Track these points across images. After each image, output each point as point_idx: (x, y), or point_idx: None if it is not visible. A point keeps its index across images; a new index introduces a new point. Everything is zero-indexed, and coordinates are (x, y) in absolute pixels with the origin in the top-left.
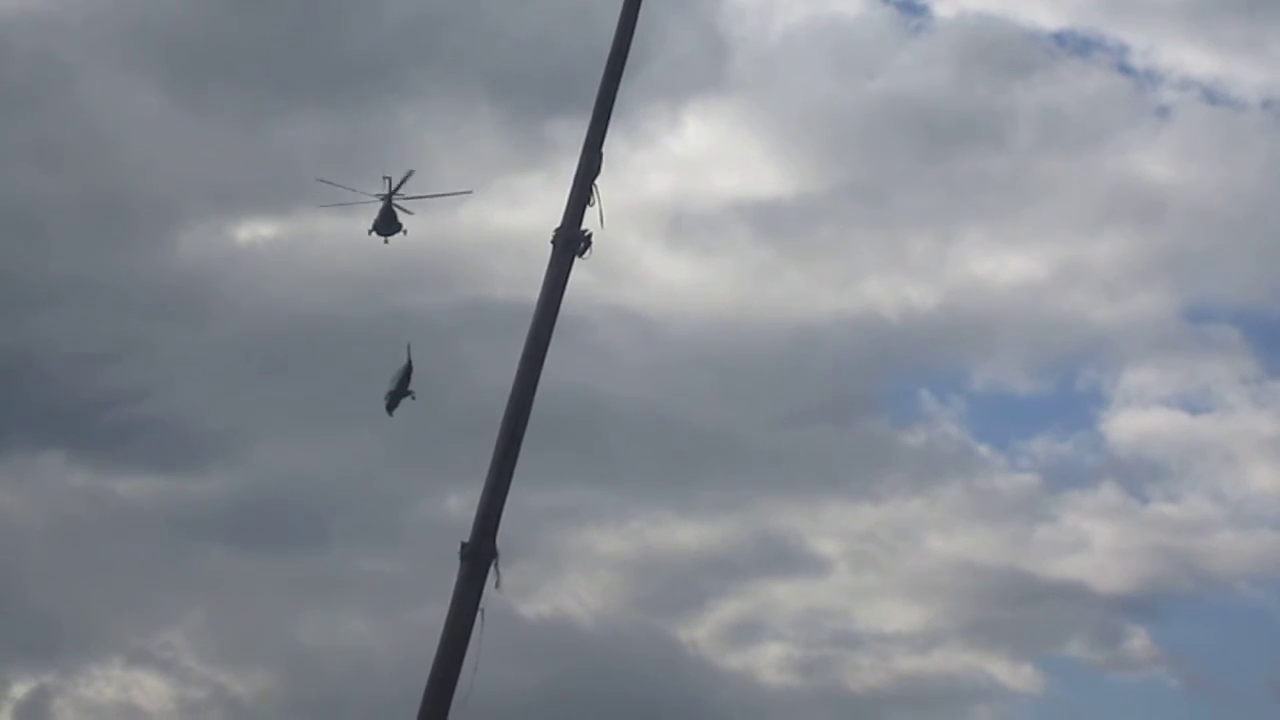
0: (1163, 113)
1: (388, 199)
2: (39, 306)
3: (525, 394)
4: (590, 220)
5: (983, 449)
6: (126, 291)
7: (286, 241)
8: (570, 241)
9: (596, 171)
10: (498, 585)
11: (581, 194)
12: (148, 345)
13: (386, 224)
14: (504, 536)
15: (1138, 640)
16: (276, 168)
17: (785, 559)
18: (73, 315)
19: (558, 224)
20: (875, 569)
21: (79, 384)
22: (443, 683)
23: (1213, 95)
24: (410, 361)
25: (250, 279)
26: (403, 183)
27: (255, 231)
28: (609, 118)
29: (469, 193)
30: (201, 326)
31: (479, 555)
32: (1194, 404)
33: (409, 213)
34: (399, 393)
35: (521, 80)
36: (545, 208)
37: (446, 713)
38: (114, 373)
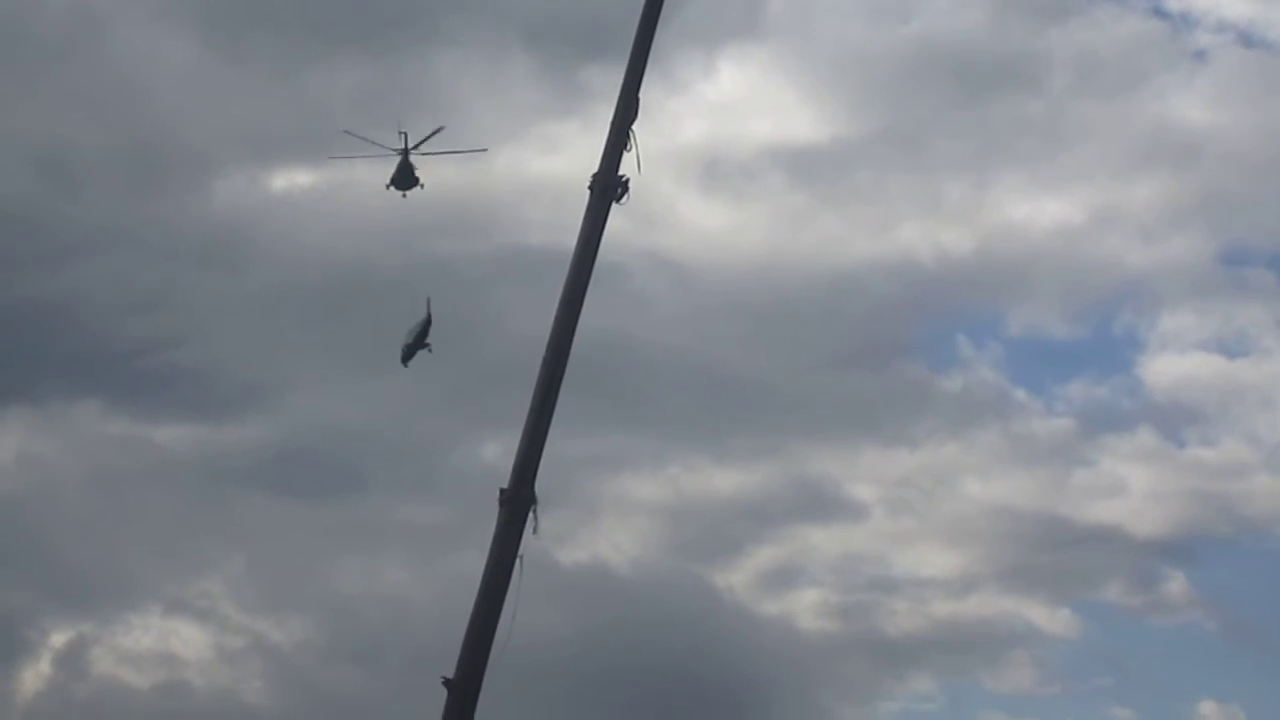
0: (1199, 56)
1: (404, 154)
2: (75, 256)
3: (563, 340)
4: (627, 166)
5: (1019, 393)
6: (162, 241)
7: (323, 190)
8: (608, 187)
9: (634, 117)
10: (535, 531)
11: (619, 140)
12: (184, 294)
13: (404, 178)
14: (541, 483)
15: (1175, 584)
16: (312, 116)
17: (821, 505)
18: (109, 264)
19: (594, 170)
20: (912, 514)
21: (115, 333)
22: (482, 630)
23: (1248, 38)
24: (430, 315)
25: (286, 228)
26: (425, 140)
27: (291, 180)
28: (646, 63)
29: (484, 150)
30: (238, 275)
31: (518, 501)
32: (1230, 347)
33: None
34: (415, 345)
35: (556, 27)
36: (580, 154)
37: (486, 659)
38: (150, 321)
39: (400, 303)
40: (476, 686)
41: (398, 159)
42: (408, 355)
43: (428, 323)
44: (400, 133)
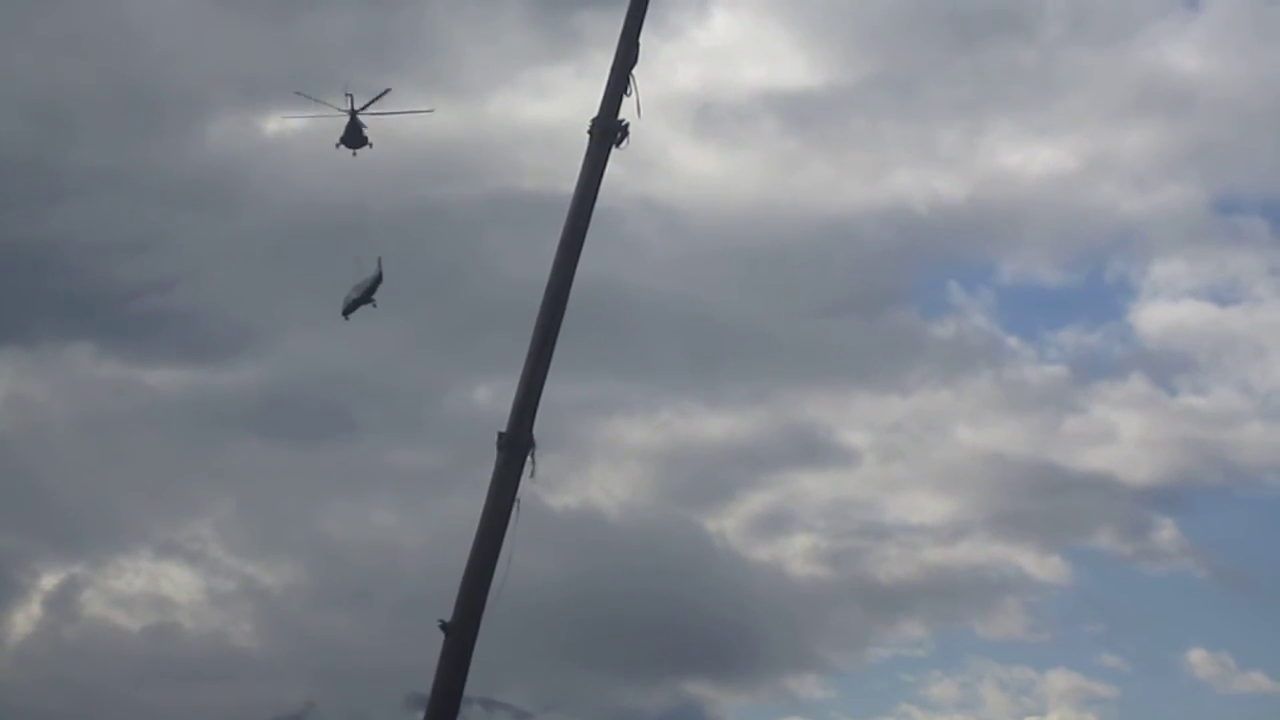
0: (1192, 4)
1: (352, 115)
2: (68, 198)
3: (562, 284)
4: (627, 111)
5: (1011, 340)
6: (154, 183)
7: (315, 133)
8: (608, 131)
9: (634, 61)
10: (533, 475)
11: (618, 84)
12: (176, 236)
13: (353, 138)
14: (535, 428)
15: (1166, 532)
16: (306, 59)
17: (813, 451)
18: (101, 206)
19: (589, 115)
20: (903, 461)
21: (107, 275)
22: (480, 573)
23: None
24: (380, 273)
25: (278, 170)
26: (373, 101)
27: (284, 123)
28: (645, 7)
29: (430, 111)
30: (230, 218)
31: (516, 445)
32: (1223, 295)
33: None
34: (361, 300)
35: None
36: (573, 99)
37: (484, 603)
38: (142, 264)
39: (393, 246)
40: (474, 630)
41: (377, 112)
42: (350, 308)
43: (378, 280)
44: (347, 95)
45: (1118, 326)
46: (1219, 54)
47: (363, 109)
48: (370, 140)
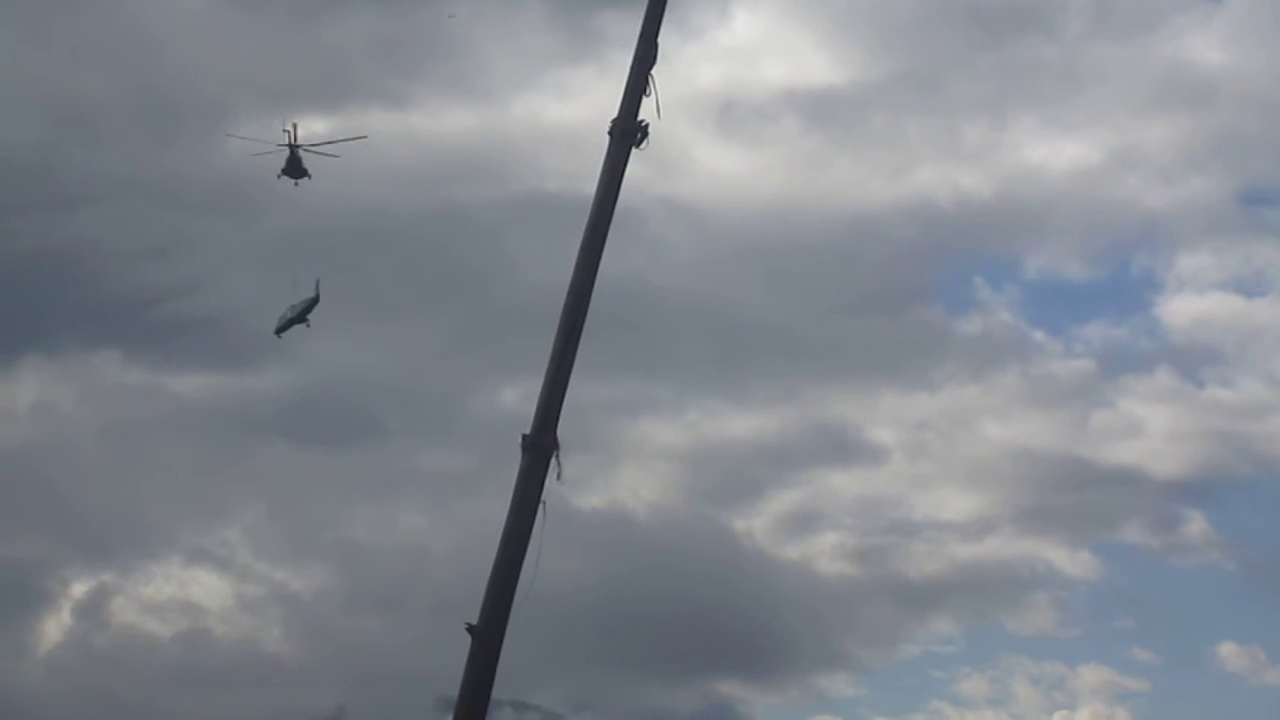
0: None
1: (292, 148)
2: (91, 204)
3: (584, 285)
4: (647, 111)
5: (1038, 335)
6: (177, 188)
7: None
8: (628, 132)
9: (653, 62)
10: (559, 477)
11: (638, 85)
12: (199, 241)
13: (294, 169)
14: (560, 429)
15: (1195, 525)
16: (327, 64)
17: (841, 448)
18: (124, 212)
19: (611, 116)
20: (931, 457)
21: (131, 281)
22: (506, 575)
23: None
24: (317, 295)
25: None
26: (288, 132)
27: (306, 128)
28: (664, 7)
29: (364, 138)
30: (252, 222)
31: (540, 447)
32: (1249, 287)
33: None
34: (295, 319)
35: None
36: (596, 100)
37: (510, 605)
38: (166, 269)
39: (416, 249)
40: (501, 633)
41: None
42: (283, 328)
43: (314, 301)
44: (285, 130)
45: (1144, 320)
46: (1242, 47)
47: (300, 146)
48: (309, 171)
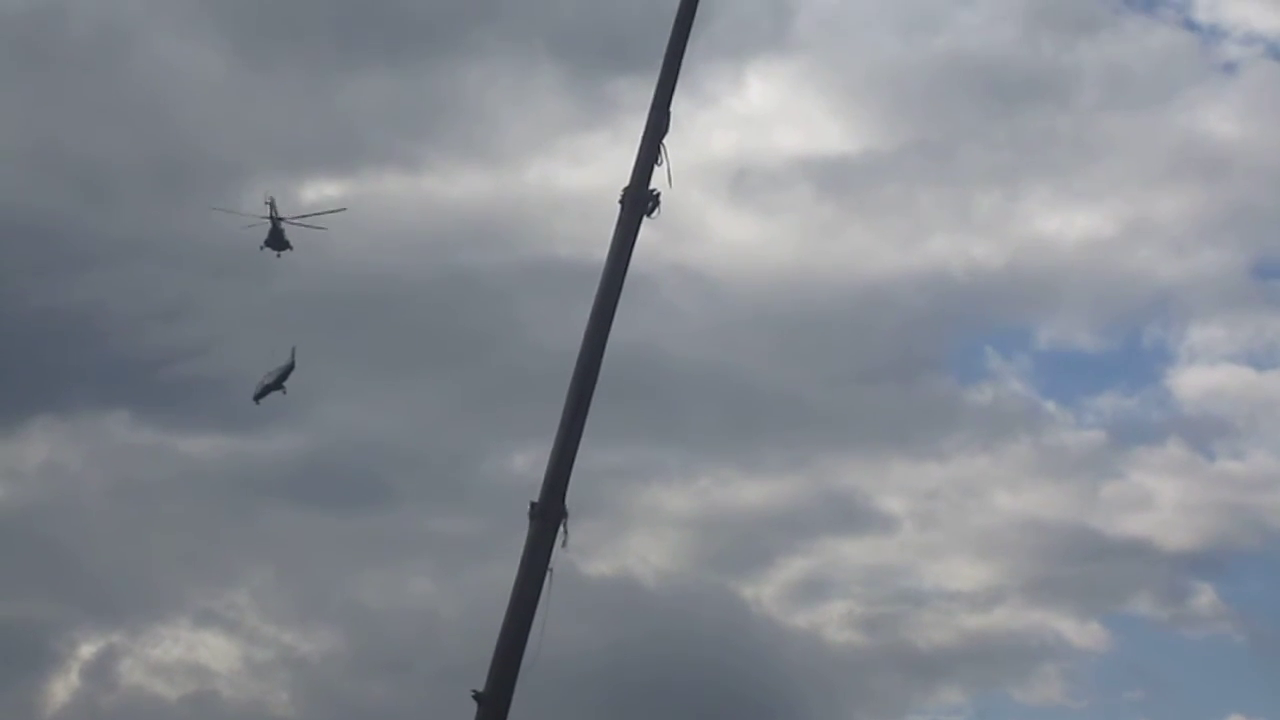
0: (1228, 69)
1: (273, 220)
2: (101, 266)
3: (594, 353)
4: (658, 179)
5: (1049, 406)
6: (187, 251)
7: (351, 201)
8: (639, 201)
9: (665, 130)
10: (564, 545)
11: (649, 153)
12: (210, 304)
13: (276, 241)
14: (569, 495)
15: (1204, 597)
16: (341, 128)
17: (851, 517)
18: (136, 274)
19: (623, 183)
20: (941, 527)
21: (142, 343)
22: (513, 643)
23: (1278, 50)
24: (293, 362)
25: (313, 239)
26: (269, 205)
27: (320, 191)
28: (677, 77)
29: (343, 210)
30: (263, 284)
31: (549, 515)
32: (1260, 360)
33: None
34: (272, 386)
35: (583, 39)
36: (609, 166)
37: (516, 673)
38: (176, 331)
39: (427, 313)
40: (506, 700)
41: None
42: (261, 394)
43: (289, 368)
44: (265, 203)
45: (1155, 391)
46: (1256, 119)
47: (280, 219)
48: (290, 243)
